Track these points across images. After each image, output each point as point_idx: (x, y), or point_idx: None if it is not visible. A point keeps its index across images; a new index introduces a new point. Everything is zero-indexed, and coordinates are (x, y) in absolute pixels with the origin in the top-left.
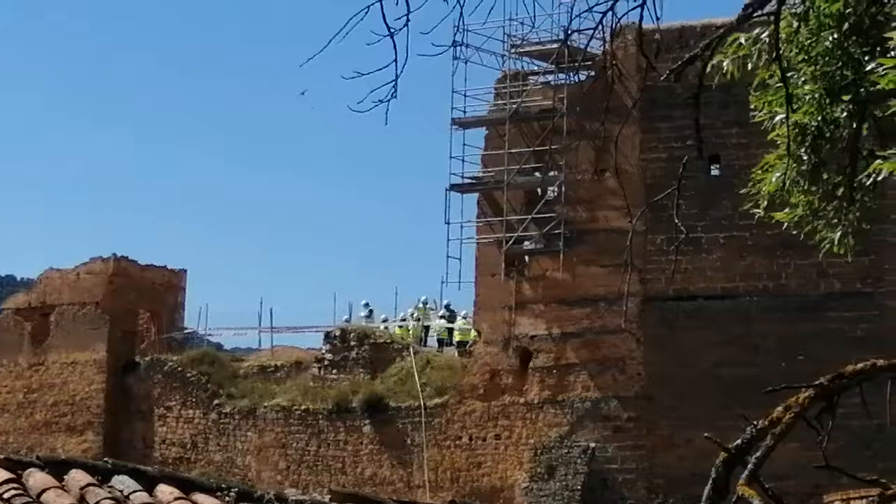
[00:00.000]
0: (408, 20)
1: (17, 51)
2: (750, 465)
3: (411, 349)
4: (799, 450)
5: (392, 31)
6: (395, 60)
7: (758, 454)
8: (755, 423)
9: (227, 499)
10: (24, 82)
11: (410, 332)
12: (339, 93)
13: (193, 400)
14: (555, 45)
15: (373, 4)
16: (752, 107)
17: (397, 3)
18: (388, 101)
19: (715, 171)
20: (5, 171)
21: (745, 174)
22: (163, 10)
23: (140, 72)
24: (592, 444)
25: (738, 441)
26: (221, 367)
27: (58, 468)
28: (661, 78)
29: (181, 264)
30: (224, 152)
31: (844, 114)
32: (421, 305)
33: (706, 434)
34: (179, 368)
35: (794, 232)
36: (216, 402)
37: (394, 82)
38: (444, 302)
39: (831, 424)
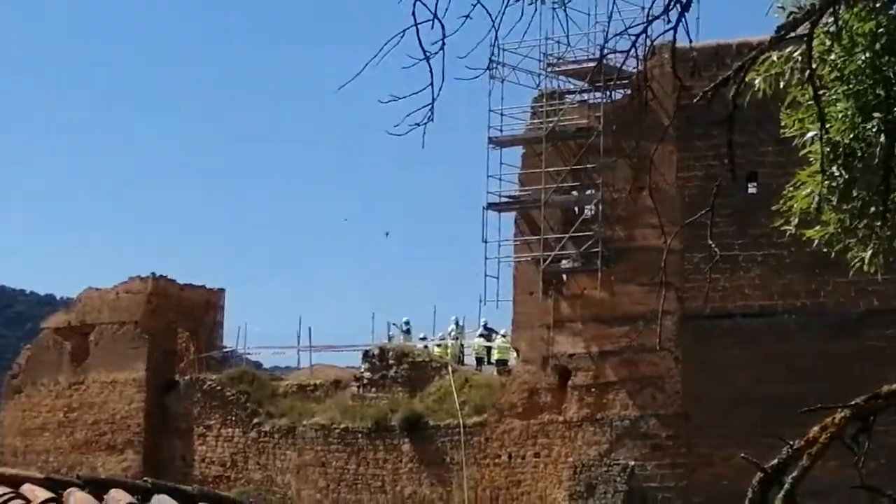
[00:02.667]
0: (443, 44)
1: (49, 71)
2: (786, 485)
3: (450, 368)
4: (837, 468)
5: (428, 54)
6: (432, 84)
7: (794, 474)
8: (791, 443)
9: None
10: (67, 103)
11: (449, 351)
12: (376, 116)
13: (233, 419)
14: (591, 64)
15: (408, 29)
16: (782, 124)
17: (433, 27)
18: (425, 124)
19: (752, 189)
20: (45, 192)
21: (782, 192)
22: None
23: (177, 90)
24: (631, 463)
25: (775, 461)
26: (260, 385)
27: (98, 488)
28: (694, 101)
29: (220, 283)
30: (262, 172)
31: (876, 131)
32: (454, 325)
33: (742, 454)
34: (219, 387)
35: (826, 250)
36: (255, 420)
37: (430, 105)
38: (483, 320)
39: (868, 445)
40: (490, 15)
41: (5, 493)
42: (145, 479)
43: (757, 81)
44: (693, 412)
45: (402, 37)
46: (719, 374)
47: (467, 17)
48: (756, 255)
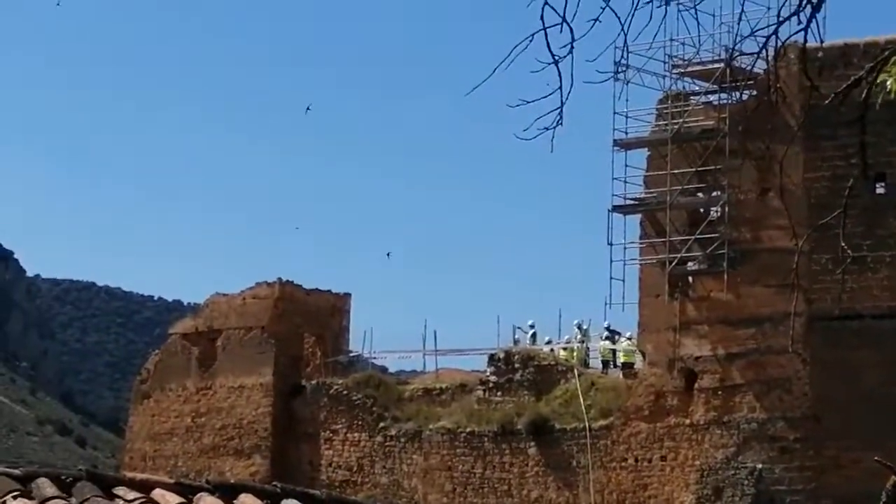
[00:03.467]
0: (572, 48)
1: (179, 75)
2: None
3: (576, 371)
4: None
5: (556, 58)
6: (560, 88)
7: None
8: None
9: None
10: (186, 115)
11: (575, 354)
12: (503, 120)
13: (359, 423)
14: (717, 66)
15: (537, 33)
16: None
17: (561, 31)
18: (554, 128)
19: (880, 189)
20: (172, 199)
21: None
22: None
23: (304, 95)
24: (759, 466)
25: None
26: (386, 389)
27: (228, 492)
28: (826, 101)
29: (345, 288)
30: (387, 177)
31: None
32: (576, 330)
33: (876, 458)
34: (345, 392)
35: None
36: (382, 424)
37: (559, 109)
38: (606, 323)
39: None
40: (619, 18)
41: (137, 498)
42: (274, 483)
43: (889, 83)
44: (821, 414)
45: (530, 41)
46: (848, 375)
47: (596, 20)
48: (884, 255)
